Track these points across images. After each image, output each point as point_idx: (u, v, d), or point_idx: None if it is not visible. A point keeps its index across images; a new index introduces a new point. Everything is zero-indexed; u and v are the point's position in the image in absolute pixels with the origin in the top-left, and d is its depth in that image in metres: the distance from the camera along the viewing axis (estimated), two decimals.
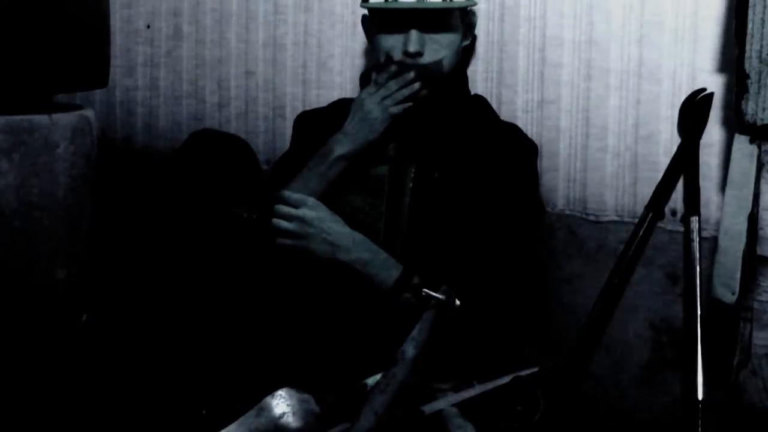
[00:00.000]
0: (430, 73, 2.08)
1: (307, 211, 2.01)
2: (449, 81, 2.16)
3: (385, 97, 2.07)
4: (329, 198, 2.07)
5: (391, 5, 2.07)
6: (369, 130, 2.08)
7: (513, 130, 2.22)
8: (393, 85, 2.07)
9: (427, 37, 2.07)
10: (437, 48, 2.08)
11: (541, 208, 2.21)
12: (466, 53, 2.28)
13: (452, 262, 2.02)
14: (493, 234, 2.05)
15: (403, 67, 2.07)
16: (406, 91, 2.07)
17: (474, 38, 2.29)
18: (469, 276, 1.97)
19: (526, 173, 2.16)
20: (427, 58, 2.08)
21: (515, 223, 2.07)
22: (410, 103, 2.08)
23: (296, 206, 2.01)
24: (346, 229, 2.02)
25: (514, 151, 2.15)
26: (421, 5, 2.05)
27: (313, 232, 1.99)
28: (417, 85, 2.07)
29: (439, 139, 2.14)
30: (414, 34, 2.06)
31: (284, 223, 2.01)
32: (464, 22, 2.17)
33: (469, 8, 2.18)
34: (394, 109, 2.08)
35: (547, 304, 2.23)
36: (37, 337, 1.91)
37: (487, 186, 2.09)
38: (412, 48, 2.06)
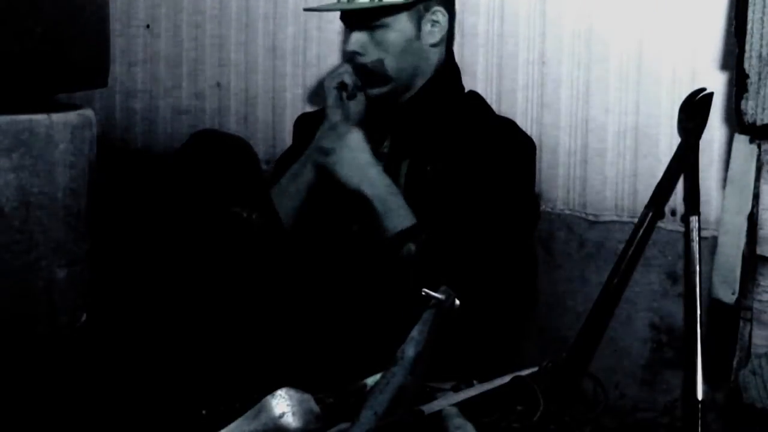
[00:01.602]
0: (369, 72, 2.17)
1: (351, 136, 2.12)
2: (438, 77, 2.18)
3: (332, 77, 2.22)
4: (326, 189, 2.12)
5: (323, 8, 2.22)
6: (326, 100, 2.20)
7: (509, 125, 2.22)
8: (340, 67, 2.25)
9: (369, 37, 2.17)
10: (377, 48, 2.17)
11: (536, 205, 2.21)
12: (448, 50, 2.25)
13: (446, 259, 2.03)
14: (485, 230, 2.05)
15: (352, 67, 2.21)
16: (341, 70, 2.22)
17: (450, 37, 2.23)
18: (463, 274, 1.97)
19: (521, 169, 2.16)
20: (368, 58, 2.17)
21: (507, 219, 2.08)
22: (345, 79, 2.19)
23: (343, 133, 2.13)
24: (378, 167, 2.11)
25: (509, 146, 2.15)
26: (350, 6, 2.15)
27: (348, 156, 2.11)
28: (347, 70, 2.20)
29: (431, 134, 2.16)
30: (354, 35, 2.18)
31: (326, 141, 2.13)
32: (419, 21, 2.16)
33: (433, 8, 2.17)
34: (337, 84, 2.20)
35: (536, 301, 2.24)
36: (36, 337, 1.91)
37: (479, 181, 2.09)
38: (349, 47, 2.19)
